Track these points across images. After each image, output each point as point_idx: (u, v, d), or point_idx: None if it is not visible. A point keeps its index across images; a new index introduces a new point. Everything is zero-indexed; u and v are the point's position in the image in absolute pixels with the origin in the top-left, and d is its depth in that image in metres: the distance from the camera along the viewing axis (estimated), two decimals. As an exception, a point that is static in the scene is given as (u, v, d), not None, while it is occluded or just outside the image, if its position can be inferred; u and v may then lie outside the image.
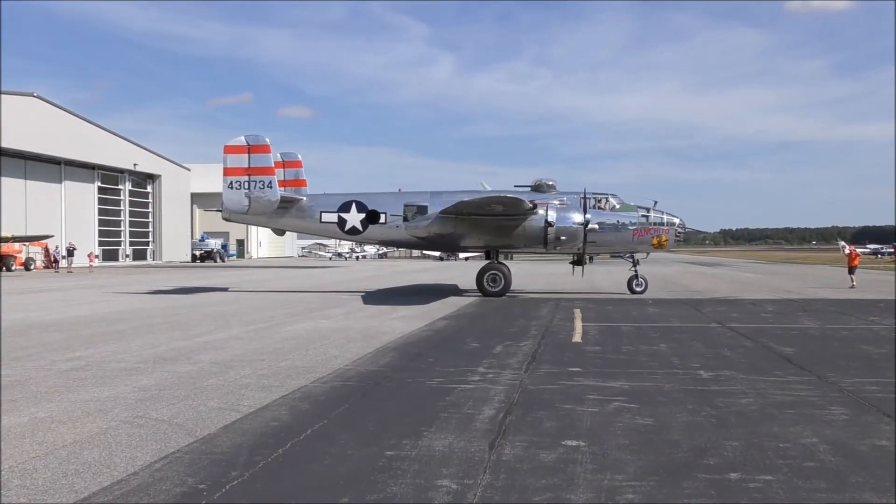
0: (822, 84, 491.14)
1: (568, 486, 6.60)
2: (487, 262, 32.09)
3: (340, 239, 35.52)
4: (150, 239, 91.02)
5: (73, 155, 74.83)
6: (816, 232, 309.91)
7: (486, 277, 30.49)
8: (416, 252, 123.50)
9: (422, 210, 31.85)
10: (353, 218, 32.16)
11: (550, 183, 31.82)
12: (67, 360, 13.45)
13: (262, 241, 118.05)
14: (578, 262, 33.20)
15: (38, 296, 31.34)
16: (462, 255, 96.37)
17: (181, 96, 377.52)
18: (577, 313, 22.83)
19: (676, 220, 31.75)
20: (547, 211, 30.26)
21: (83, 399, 10.14)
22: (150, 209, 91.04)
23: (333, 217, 32.38)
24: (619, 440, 8.04)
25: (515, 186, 32.58)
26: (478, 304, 26.84)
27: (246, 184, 31.83)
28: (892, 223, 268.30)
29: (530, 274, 51.47)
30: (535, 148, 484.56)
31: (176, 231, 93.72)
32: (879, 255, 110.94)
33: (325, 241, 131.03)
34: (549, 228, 30.18)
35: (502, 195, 29.90)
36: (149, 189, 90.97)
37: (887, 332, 18.07)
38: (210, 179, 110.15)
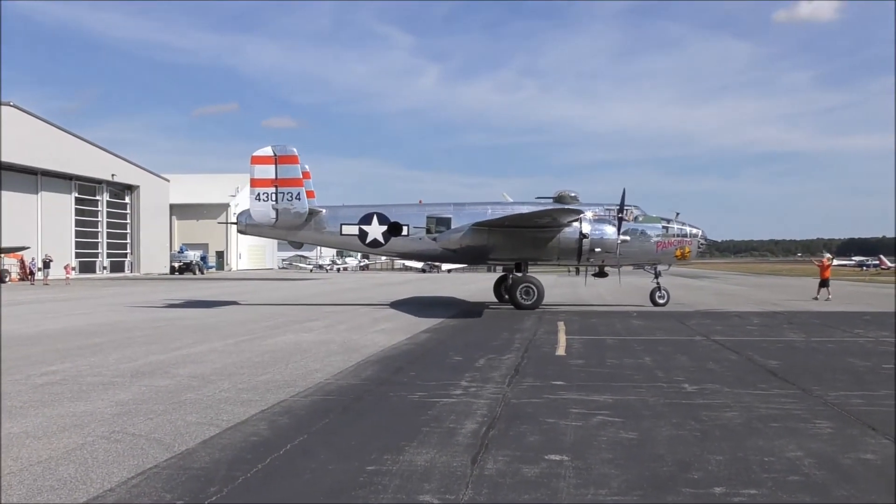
0: (808, 95, 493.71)
1: (551, 501, 6.60)
2: (517, 274, 32.13)
3: (362, 252, 35.42)
4: (128, 250, 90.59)
5: (49, 165, 74.43)
6: (802, 244, 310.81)
7: (519, 290, 30.34)
8: (398, 264, 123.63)
9: (443, 222, 31.75)
10: (375, 230, 31.94)
11: (573, 194, 31.82)
12: (43, 375, 13.38)
13: (241, 253, 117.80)
14: (600, 273, 33.33)
15: (13, 308, 31.17)
16: (445, 266, 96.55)
17: (166, 105, 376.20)
18: (561, 326, 22.85)
19: (699, 232, 31.99)
20: (581, 223, 30.32)
21: (59, 414, 10.08)
22: (129, 220, 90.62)
23: (354, 230, 32.07)
24: (602, 454, 8.05)
25: (537, 198, 32.72)
26: (460, 317, 26.82)
27: (273, 195, 31.38)
28: (878, 235, 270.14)
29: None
30: (524, 158, 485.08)
31: (154, 242, 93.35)
32: (864, 268, 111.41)
33: (305, 253, 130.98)
34: (584, 240, 30.23)
35: (557, 207, 30.10)
36: (127, 200, 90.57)
37: (872, 345, 18.15)
38: (189, 190, 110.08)
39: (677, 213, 32.15)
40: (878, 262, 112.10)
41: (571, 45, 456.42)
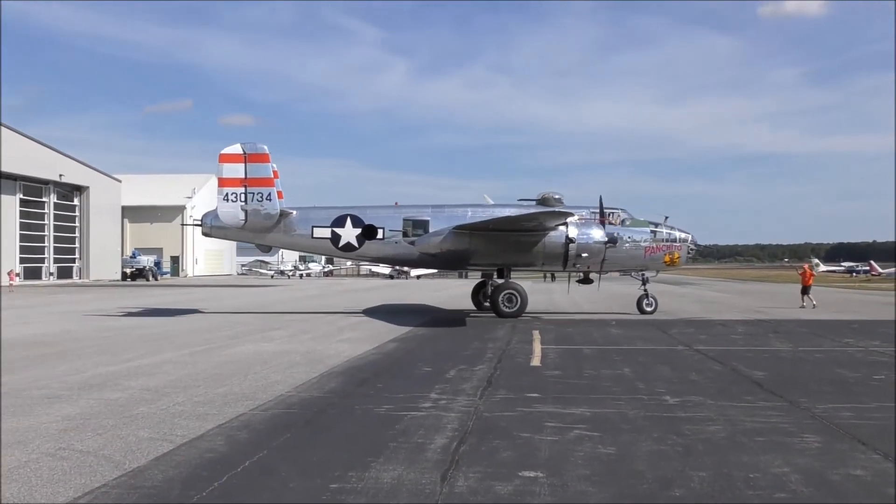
0: (795, 94, 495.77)
1: (525, 521, 6.60)
2: (497, 280, 32.19)
3: (334, 256, 35.24)
4: (77, 255, 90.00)
5: (-8, 164, 73.87)
6: (789, 249, 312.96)
7: (502, 297, 30.31)
8: (364, 269, 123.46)
9: (421, 225, 31.73)
10: (349, 233, 31.82)
11: (557, 196, 31.92)
12: (-16, 387, 13.25)
13: (198, 258, 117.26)
14: (585, 280, 33.39)
15: (-47, 317, 30.86)
16: (414, 272, 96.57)
17: (116, 102, 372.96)
18: (536, 335, 22.89)
19: (689, 236, 32.17)
20: (567, 227, 30.33)
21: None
22: (77, 223, 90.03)
23: (327, 232, 31.94)
24: (579, 470, 8.06)
25: (520, 200, 32.78)
26: (430, 325, 26.82)
27: (242, 196, 31.14)
28: (868, 240, 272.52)
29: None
30: (496, 159, 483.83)
31: (105, 247, 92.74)
32: (854, 274, 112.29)
33: (266, 258, 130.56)
34: (571, 245, 30.23)
35: (547, 209, 30.11)
36: (76, 202, 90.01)
37: (862, 355, 18.30)
38: (142, 191, 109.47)
39: (666, 217, 32.36)
40: (868, 268, 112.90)
41: (544, 41, 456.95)
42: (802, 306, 37.18)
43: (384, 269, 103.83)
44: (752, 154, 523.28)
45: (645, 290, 32.49)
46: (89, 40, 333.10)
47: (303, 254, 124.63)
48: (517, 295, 30.28)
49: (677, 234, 31.92)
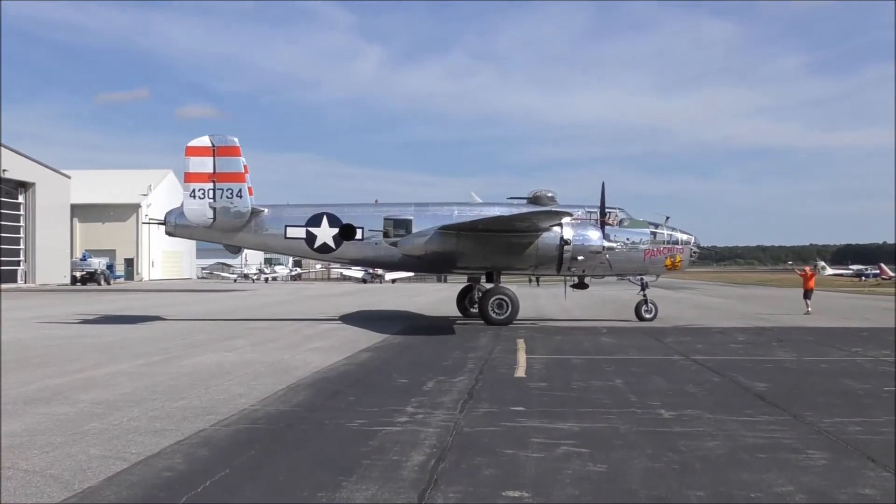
0: (798, 84, 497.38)
1: (509, 544, 6.61)
2: (483, 285, 32.22)
3: (309, 258, 35.04)
4: (22, 258, 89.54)
5: (-71, 159, 73.47)
6: (793, 251, 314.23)
7: (491, 303, 30.18)
8: (335, 272, 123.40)
9: (403, 224, 31.61)
10: (325, 233, 31.62)
11: (550, 195, 31.92)
12: (-79, 401, 13.17)
13: (154, 261, 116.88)
14: (580, 284, 33.48)
15: None
16: (389, 276, 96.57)
17: (64, 92, 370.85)
18: (521, 344, 22.92)
19: (691, 238, 32.27)
20: (562, 228, 30.23)
21: (-61, 447, 9.93)
22: (22, 223, 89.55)
23: (301, 232, 31.72)
24: (567, 490, 8.07)
25: (509, 199, 32.74)
26: (406, 333, 26.82)
27: (210, 192, 30.91)
28: (877, 241, 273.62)
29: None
30: (477, 154, 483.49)
31: (53, 248, 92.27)
32: (864, 278, 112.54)
33: (229, 261, 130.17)
34: (566, 247, 30.12)
35: (544, 209, 30.08)
36: (20, 199, 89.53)
37: (872, 365, 18.40)
38: (94, 188, 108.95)
39: (667, 218, 32.39)
40: (878, 271, 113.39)
41: (530, 25, 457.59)
42: (808, 312, 37.30)
43: (357, 273, 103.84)
44: (751, 148, 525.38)
45: (644, 296, 32.50)
46: (34, 23, 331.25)
47: (269, 256, 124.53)
48: (508, 301, 30.18)
49: (679, 236, 32.00)
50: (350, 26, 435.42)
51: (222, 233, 31.88)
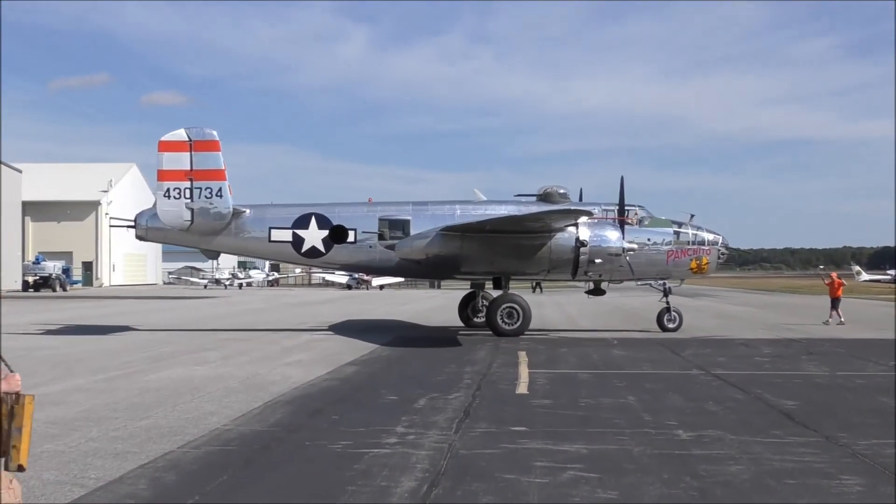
0: (829, 69, 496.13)
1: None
2: (487, 292, 32.24)
3: (296, 263, 34.90)
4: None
5: None
6: (825, 253, 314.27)
7: (500, 312, 30.04)
8: (316, 278, 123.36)
9: (399, 225, 31.55)
10: (313, 236, 31.41)
11: (562, 191, 31.99)
12: None
13: (115, 264, 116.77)
14: (596, 290, 33.49)
15: None
16: (376, 281, 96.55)
17: (15, 77, 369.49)
18: (523, 357, 22.93)
19: (719, 238, 32.29)
20: (578, 228, 30.03)
21: None
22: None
23: (287, 235, 31.51)
24: (575, 519, 8.07)
25: (516, 196, 32.81)
26: (395, 345, 26.82)
27: (187, 191, 30.61)
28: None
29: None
30: (473, 147, 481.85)
31: (2, 250, 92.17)
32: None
33: (199, 265, 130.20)
34: (582, 249, 29.88)
35: (565, 208, 30.05)
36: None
37: (912, 381, 18.40)
38: (48, 184, 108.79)
39: (692, 216, 32.32)
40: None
41: (533, 5, 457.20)
42: (828, 322, 37.12)
43: (341, 278, 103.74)
44: (778, 141, 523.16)
45: (667, 303, 32.37)
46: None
47: (244, 259, 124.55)
48: (519, 309, 30.04)
49: (705, 236, 31.95)
50: (333, 5, 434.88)
51: (200, 236, 31.72)
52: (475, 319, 34.45)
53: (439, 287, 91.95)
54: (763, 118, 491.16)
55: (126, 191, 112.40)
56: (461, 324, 35.38)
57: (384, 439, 11.74)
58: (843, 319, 37.52)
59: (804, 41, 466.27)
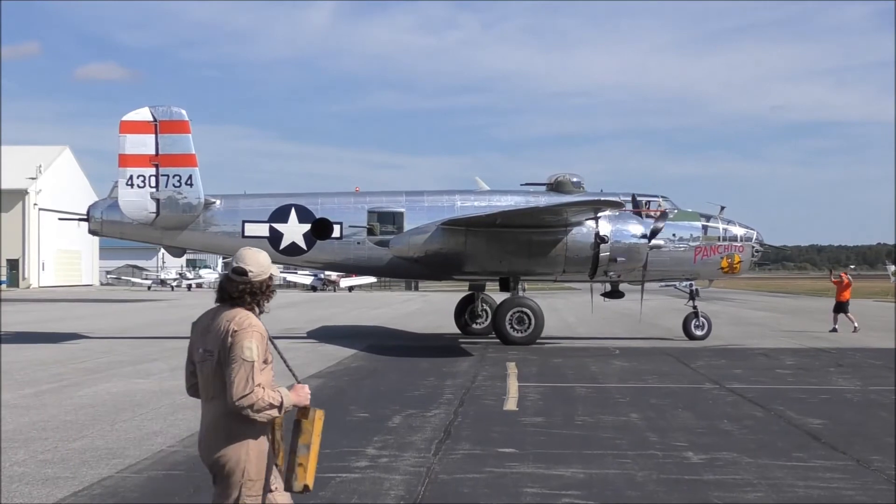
0: (866, 41, 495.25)
1: None
2: (484, 294, 32.31)
3: (275, 261, 34.54)
4: None
5: None
6: (856, 251, 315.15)
7: (509, 317, 30.03)
8: (276, 279, 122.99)
9: (391, 218, 31.45)
10: (294, 231, 31.14)
11: (575, 180, 32.10)
12: None
13: (45, 263, 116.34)
14: (613, 293, 33.34)
15: None
16: (345, 282, 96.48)
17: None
18: (512, 369, 22.97)
19: (753, 234, 32.36)
20: (597, 222, 29.78)
21: None
22: None
23: (263, 229, 31.13)
24: (570, 554, 8.11)
25: (523, 185, 32.94)
26: (366, 355, 26.82)
27: (153, 179, 30.14)
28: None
29: (448, 304, 51.51)
30: (458, 129, 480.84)
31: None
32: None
33: (141, 264, 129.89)
34: (602, 246, 29.64)
35: (590, 198, 30.05)
36: None
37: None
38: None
39: (722, 208, 32.31)
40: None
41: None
42: (835, 329, 37.03)
43: (304, 279, 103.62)
44: (806, 122, 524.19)
45: (694, 307, 32.24)
46: None
47: (193, 257, 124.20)
48: (531, 314, 30.03)
49: (737, 231, 32.02)
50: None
51: (164, 231, 31.39)
52: (473, 325, 34.39)
53: (416, 289, 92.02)
54: (793, 96, 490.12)
55: (58, 178, 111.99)
56: (448, 331, 35.34)
57: (353, 462, 11.77)
58: (856, 325, 37.23)
59: (837, 10, 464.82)
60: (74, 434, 13.73)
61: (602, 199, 29.88)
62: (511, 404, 17.13)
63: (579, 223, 29.70)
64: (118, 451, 12.46)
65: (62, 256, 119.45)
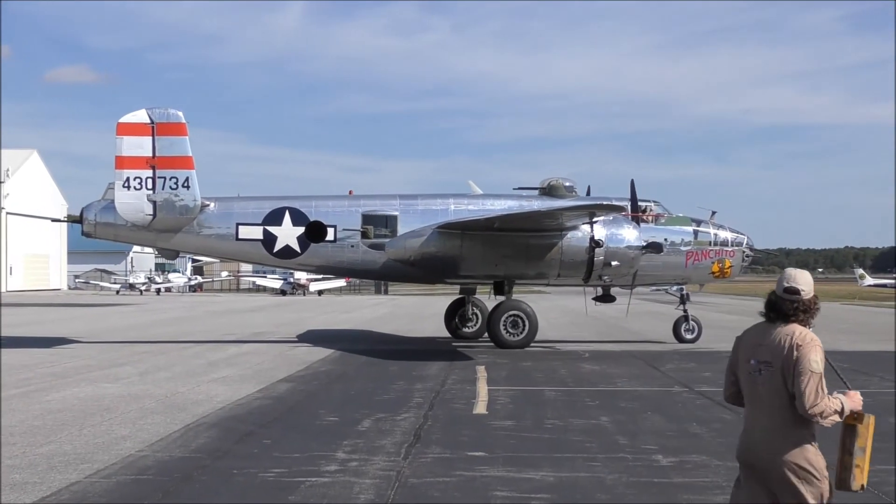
0: (835, 45, 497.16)
1: None
2: (474, 298, 32.34)
3: (267, 265, 34.33)
4: None
5: None
6: (824, 254, 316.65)
7: (504, 321, 30.13)
8: (244, 282, 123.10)
9: (385, 222, 31.41)
10: (287, 233, 31.03)
11: (568, 184, 32.12)
12: None
13: (13, 267, 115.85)
14: (604, 297, 33.65)
15: None
16: (314, 286, 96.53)
17: None
18: (481, 372, 22.99)
19: (743, 238, 32.48)
20: (592, 226, 29.89)
21: None
22: None
23: (257, 232, 31.11)
24: (540, 557, 8.11)
25: (515, 189, 32.92)
26: (336, 359, 26.79)
27: (150, 181, 30.02)
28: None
29: (418, 308, 51.57)
30: (430, 132, 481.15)
31: None
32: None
33: (110, 268, 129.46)
34: (597, 250, 29.77)
35: (594, 202, 30.13)
36: None
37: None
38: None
39: (713, 213, 32.50)
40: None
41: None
42: None
43: (274, 283, 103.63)
44: (776, 125, 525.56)
45: (685, 311, 32.51)
46: None
47: (161, 261, 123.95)
48: (525, 318, 30.18)
49: (728, 235, 32.15)
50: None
51: (159, 233, 31.24)
52: (464, 329, 34.42)
53: (386, 292, 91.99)
54: (763, 100, 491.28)
55: (25, 182, 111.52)
56: (422, 335, 35.39)
57: (323, 466, 11.75)
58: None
59: (806, 13, 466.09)
60: (42, 439, 13.67)
61: (602, 203, 30.08)
62: (481, 408, 17.14)
63: (575, 227, 29.86)
64: (86, 455, 12.40)
65: (30, 261, 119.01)
